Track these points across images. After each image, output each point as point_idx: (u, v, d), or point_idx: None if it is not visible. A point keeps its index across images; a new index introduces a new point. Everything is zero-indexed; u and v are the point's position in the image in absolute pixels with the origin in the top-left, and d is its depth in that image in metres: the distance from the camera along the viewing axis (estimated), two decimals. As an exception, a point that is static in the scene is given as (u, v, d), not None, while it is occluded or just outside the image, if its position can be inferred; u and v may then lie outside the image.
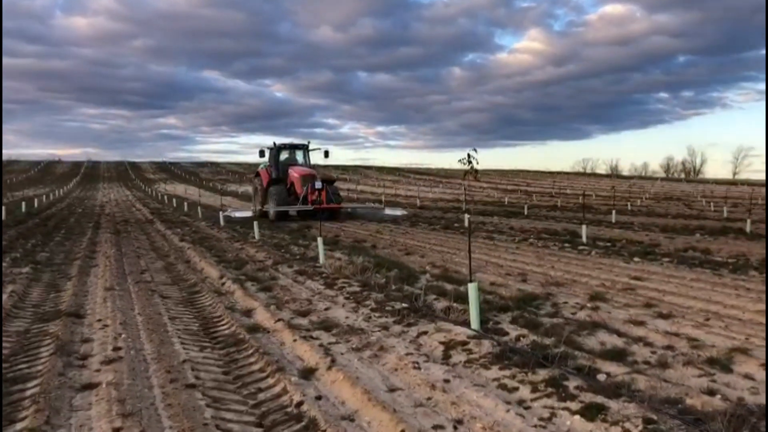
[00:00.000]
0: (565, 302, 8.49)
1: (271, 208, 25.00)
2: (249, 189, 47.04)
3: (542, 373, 5.37)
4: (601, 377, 5.33)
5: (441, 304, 8.17)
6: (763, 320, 7.43)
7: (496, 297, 8.83)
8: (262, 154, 27.14)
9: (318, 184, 24.70)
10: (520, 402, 4.89)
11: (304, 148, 28.11)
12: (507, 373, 5.49)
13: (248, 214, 24.30)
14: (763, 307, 8.03)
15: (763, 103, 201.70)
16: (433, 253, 14.37)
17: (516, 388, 5.15)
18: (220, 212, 24.67)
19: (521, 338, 6.65)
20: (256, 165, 34.49)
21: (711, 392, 4.97)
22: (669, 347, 6.29)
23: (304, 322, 7.57)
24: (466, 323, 7.06)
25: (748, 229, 19.33)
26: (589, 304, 8.25)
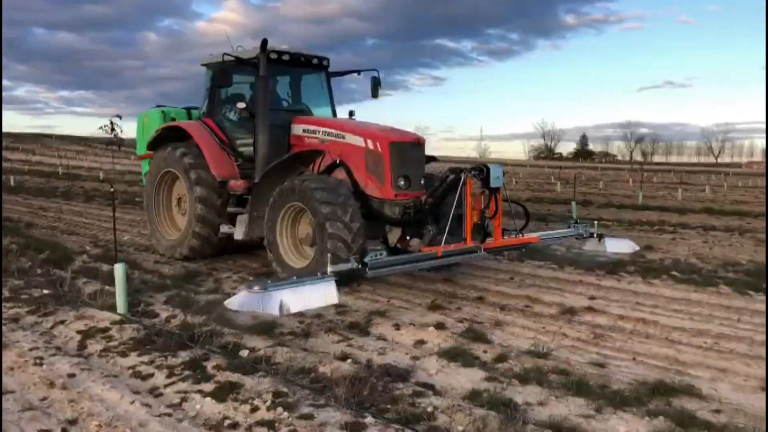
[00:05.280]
0: (228, 277, 8.33)
1: (355, 260, 6.67)
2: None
3: (183, 355, 5.10)
4: (244, 353, 5.24)
5: (92, 288, 7.40)
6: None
7: (156, 276, 8.32)
8: (223, 75, 8.77)
9: (498, 174, 7.76)
10: (152, 390, 4.54)
11: (321, 68, 9.92)
12: (146, 359, 5.09)
13: (326, 297, 6.52)
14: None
15: (437, 87, 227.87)
16: (99, 232, 13.18)
17: (151, 375, 4.79)
18: (255, 288, 6.36)
19: (172, 319, 6.29)
20: None
21: (344, 357, 5.18)
22: (318, 315, 6.48)
23: None
24: (114, 307, 6.46)
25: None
26: (251, 278, 8.20)
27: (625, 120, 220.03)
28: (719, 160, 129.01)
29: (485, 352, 5.39)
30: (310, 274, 6.72)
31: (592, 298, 7.27)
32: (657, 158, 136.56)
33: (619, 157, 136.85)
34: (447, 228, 7.32)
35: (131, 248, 10.71)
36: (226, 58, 8.77)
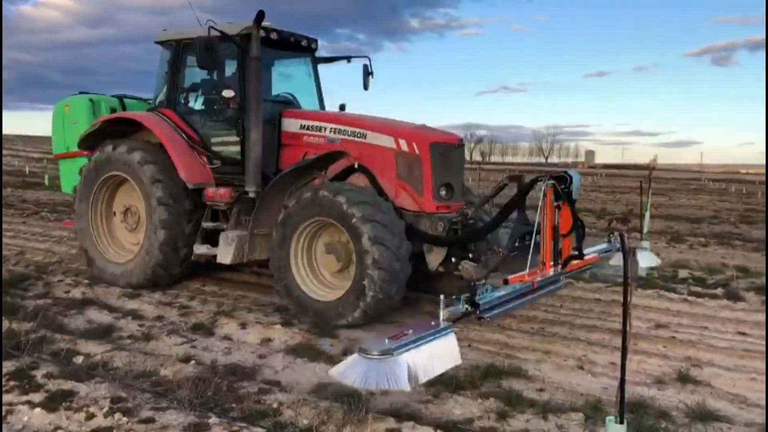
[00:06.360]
0: (61, 280, 7.81)
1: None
2: None
3: (8, 366, 4.75)
4: (78, 359, 4.97)
5: None
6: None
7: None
8: (210, 55, 6.73)
9: (578, 184, 6.18)
10: (-30, 405, 4.19)
11: (309, 52, 8.34)
12: (-39, 372, 4.68)
13: (451, 355, 4.31)
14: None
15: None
16: None
17: (-30, 389, 4.41)
18: (375, 352, 3.83)
19: (-6, 327, 5.80)
20: None
21: (187, 359, 5.08)
22: (159, 318, 6.29)
23: None
24: (-76, 317, 5.84)
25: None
26: (86, 281, 7.75)
27: (466, 122, 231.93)
28: (549, 161, 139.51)
29: (332, 346, 5.51)
30: (422, 324, 4.51)
31: (433, 290, 7.63)
32: (494, 158, 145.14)
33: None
34: (531, 249, 5.63)
35: (-55, 252, 9.71)
36: (213, 32, 6.79)
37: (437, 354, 4.33)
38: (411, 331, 4.29)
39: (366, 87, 8.54)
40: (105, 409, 4.01)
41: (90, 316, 6.27)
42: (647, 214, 9.36)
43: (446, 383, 4.62)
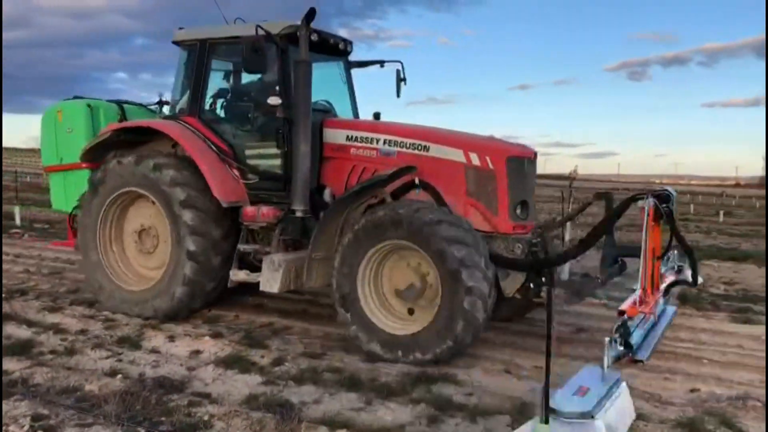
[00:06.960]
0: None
1: None
2: None
3: None
4: (-4, 377, 4.76)
5: None
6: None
7: None
8: (258, 56, 6.10)
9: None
10: None
11: (343, 55, 7.70)
12: None
13: (630, 407, 4.24)
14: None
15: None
16: None
17: None
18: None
19: None
20: None
21: (114, 373, 4.95)
22: (83, 331, 6.09)
23: None
24: None
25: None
26: (15, 294, 7.43)
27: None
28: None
29: (263, 357, 5.48)
30: (589, 373, 3.96)
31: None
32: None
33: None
34: (640, 274, 5.01)
35: None
36: (260, 31, 6.12)
37: (619, 408, 3.88)
38: (590, 385, 3.75)
39: (398, 94, 7.96)
40: (26, 428, 3.88)
41: (7, 332, 5.99)
42: (568, 223, 9.76)
43: (378, 390, 4.68)
